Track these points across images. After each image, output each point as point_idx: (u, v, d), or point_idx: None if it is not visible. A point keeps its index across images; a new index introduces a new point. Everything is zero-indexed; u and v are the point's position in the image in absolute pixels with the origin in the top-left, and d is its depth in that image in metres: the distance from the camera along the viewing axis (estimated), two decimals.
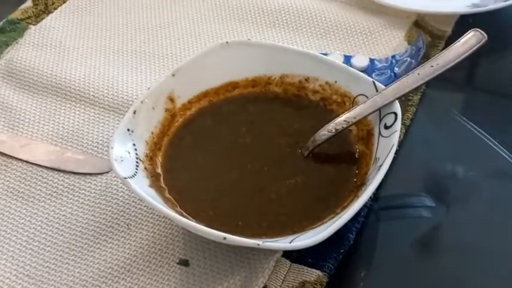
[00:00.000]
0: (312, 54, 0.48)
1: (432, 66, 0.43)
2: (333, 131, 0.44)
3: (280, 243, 0.37)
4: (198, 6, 0.61)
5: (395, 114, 0.42)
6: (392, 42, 0.57)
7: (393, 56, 0.55)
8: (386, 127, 0.42)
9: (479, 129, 0.50)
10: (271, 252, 0.40)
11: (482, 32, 0.43)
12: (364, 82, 0.45)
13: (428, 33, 0.57)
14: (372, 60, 0.55)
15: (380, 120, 0.43)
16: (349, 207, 0.39)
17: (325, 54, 0.55)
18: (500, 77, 0.55)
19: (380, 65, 0.55)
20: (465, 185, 0.47)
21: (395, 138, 0.41)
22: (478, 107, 0.53)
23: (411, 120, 0.50)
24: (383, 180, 0.39)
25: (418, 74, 0.43)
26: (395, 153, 0.40)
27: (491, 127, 0.50)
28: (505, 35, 0.58)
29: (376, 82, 0.45)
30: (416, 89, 0.44)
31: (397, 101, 0.43)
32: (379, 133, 0.43)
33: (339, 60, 0.55)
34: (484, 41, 0.43)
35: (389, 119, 0.43)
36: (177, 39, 0.58)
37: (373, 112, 0.43)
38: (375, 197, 0.45)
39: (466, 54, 0.43)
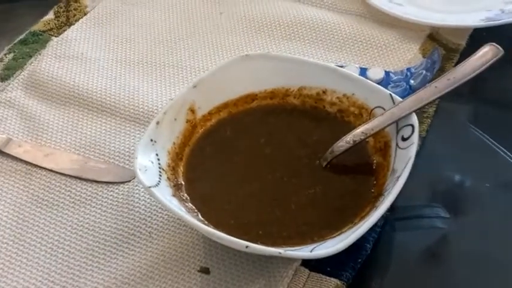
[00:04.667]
0: (330, 67, 0.49)
1: (449, 79, 0.44)
2: (351, 142, 0.45)
3: (301, 251, 0.37)
4: (216, 18, 0.63)
5: (413, 126, 0.43)
6: (407, 55, 0.58)
7: (408, 69, 0.56)
8: (404, 139, 0.43)
9: (494, 141, 0.51)
10: (291, 261, 0.41)
11: (498, 46, 0.44)
12: (381, 94, 0.46)
13: (442, 46, 0.58)
14: (387, 73, 0.56)
15: (397, 132, 0.44)
16: (367, 217, 0.39)
17: (342, 67, 0.56)
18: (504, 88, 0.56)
19: (395, 78, 0.55)
20: (480, 196, 0.48)
21: (413, 150, 0.42)
22: (492, 119, 0.53)
23: (427, 132, 0.51)
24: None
25: (435, 87, 0.44)
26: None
27: (505, 139, 0.51)
28: None
29: (393, 95, 0.45)
30: (432, 102, 0.45)
31: (414, 114, 0.44)
32: (397, 145, 0.44)
33: (354, 72, 0.55)
34: (500, 55, 0.44)
35: (406, 131, 0.43)
36: (195, 51, 0.59)
37: (391, 124, 0.44)
38: (391, 207, 0.46)
39: (482, 68, 0.44)
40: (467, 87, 0.52)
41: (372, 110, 0.46)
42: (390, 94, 0.46)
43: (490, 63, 0.44)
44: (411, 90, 0.53)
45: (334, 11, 0.63)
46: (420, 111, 0.51)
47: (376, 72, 0.56)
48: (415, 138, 0.42)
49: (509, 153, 0.49)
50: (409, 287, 0.43)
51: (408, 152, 0.42)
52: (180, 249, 0.43)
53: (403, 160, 0.42)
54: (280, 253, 0.36)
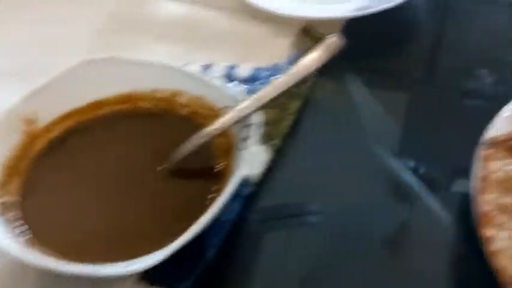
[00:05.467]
0: (178, 69, 0.47)
1: (292, 73, 0.42)
2: (195, 145, 0.42)
3: (114, 268, 0.35)
4: (77, 19, 0.59)
5: (254, 125, 0.41)
6: (278, 50, 0.56)
7: (277, 65, 0.54)
8: (245, 139, 0.41)
9: (362, 135, 0.49)
10: (128, 275, 0.38)
11: (340, 36, 0.43)
12: (227, 94, 0.44)
13: (315, 39, 0.56)
14: (256, 69, 0.54)
15: (241, 133, 0.42)
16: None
17: (209, 66, 0.54)
18: (377, 79, 0.54)
19: (264, 74, 0.54)
20: (347, 189, 0.46)
21: (253, 150, 0.40)
22: (357, 111, 0.52)
23: (291, 128, 0.49)
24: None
25: (277, 82, 0.42)
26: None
27: (369, 129, 0.49)
28: (390, 36, 0.58)
29: (237, 94, 0.44)
30: (277, 98, 0.43)
31: (255, 113, 0.42)
32: (239, 146, 0.41)
33: (222, 70, 0.54)
34: (342, 44, 0.42)
35: (248, 131, 0.41)
36: (52, 56, 0.55)
37: (234, 124, 0.42)
38: (259, 208, 0.44)
39: (325, 59, 0.42)
40: (330, 79, 0.52)
41: (220, 111, 0.44)
42: (234, 94, 0.44)
43: (332, 53, 0.42)
44: None
45: (209, 7, 0.61)
46: (283, 108, 0.50)
47: (245, 70, 0.54)
48: (255, 137, 0.40)
49: (375, 144, 0.48)
50: None
51: (248, 152, 0.40)
52: (10, 274, 0.40)
53: (244, 161, 0.40)
54: (89, 273, 0.34)
